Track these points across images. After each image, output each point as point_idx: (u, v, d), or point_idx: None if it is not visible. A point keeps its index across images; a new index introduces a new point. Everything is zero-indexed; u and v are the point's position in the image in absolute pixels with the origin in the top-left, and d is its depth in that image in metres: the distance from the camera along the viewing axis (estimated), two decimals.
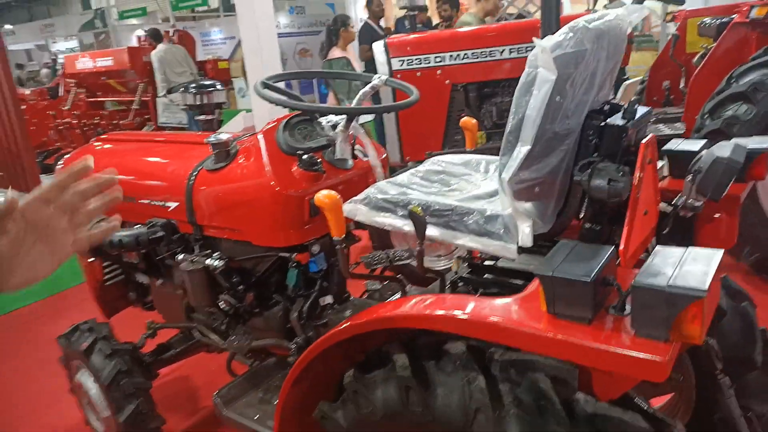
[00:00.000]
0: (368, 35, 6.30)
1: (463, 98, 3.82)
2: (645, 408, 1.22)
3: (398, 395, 1.19)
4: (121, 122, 8.56)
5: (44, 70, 18.98)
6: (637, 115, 1.26)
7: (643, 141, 1.20)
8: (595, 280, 0.91)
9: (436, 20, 7.45)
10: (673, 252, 0.95)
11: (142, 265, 2.36)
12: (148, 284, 2.54)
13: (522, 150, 1.15)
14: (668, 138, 1.60)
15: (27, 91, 10.36)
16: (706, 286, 0.81)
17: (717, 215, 1.44)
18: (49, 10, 29.30)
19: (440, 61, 3.80)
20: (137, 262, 2.37)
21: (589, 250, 0.99)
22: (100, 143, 2.54)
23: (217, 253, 1.91)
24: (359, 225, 2.07)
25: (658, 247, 0.98)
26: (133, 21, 17.91)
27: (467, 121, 2.01)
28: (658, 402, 1.80)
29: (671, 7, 4.67)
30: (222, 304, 1.99)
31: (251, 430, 1.76)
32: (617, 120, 1.22)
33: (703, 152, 1.31)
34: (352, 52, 6.23)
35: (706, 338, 1.46)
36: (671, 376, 1.54)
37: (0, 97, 7.47)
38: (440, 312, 1.10)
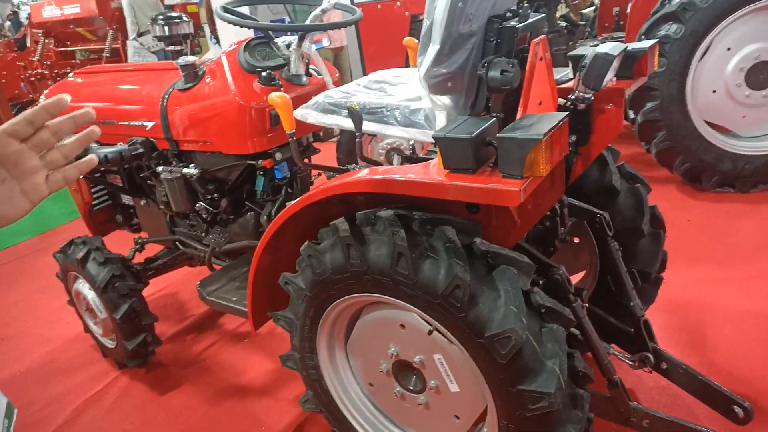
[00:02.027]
0: None
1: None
2: (533, 253, 1.55)
3: (342, 253, 1.49)
4: None
5: (7, 23, 18.39)
6: (530, 19, 1.52)
7: (534, 40, 1.46)
8: (476, 139, 1.19)
9: None
10: (531, 116, 1.24)
11: (127, 186, 2.62)
12: (133, 207, 2.81)
13: (433, 49, 1.41)
14: None
15: None
16: (542, 133, 1.11)
17: (608, 106, 1.71)
18: None
19: None
20: (122, 185, 2.63)
21: (477, 120, 1.27)
22: (76, 77, 2.74)
23: (192, 164, 2.17)
24: (317, 137, 2.35)
25: (525, 116, 1.27)
26: None
27: (410, 40, 2.25)
28: (576, 278, 2.14)
29: None
30: (200, 211, 2.27)
31: (230, 308, 2.08)
32: (511, 22, 1.48)
33: (588, 51, 1.58)
34: None
35: (599, 211, 1.79)
36: (566, 239, 1.87)
37: None
38: (368, 176, 1.39)
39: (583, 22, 4.29)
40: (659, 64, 3.25)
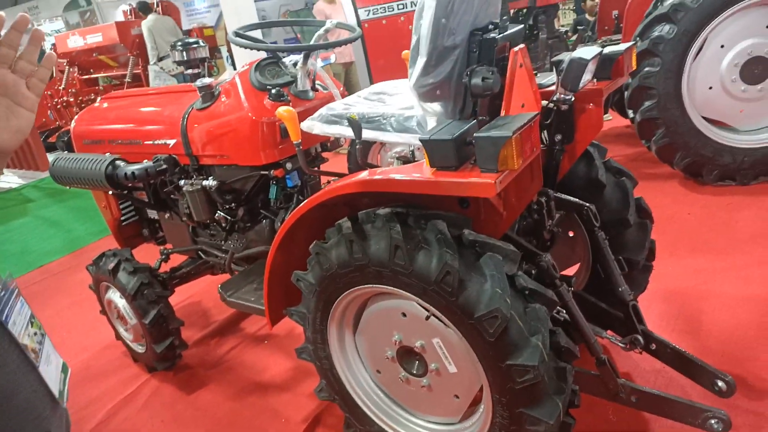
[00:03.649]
0: None
1: None
2: (519, 242, 1.69)
3: (346, 249, 1.64)
4: None
5: None
6: (508, 31, 1.68)
7: (514, 49, 1.61)
8: (457, 139, 1.34)
9: None
10: (506, 117, 1.40)
11: (152, 201, 2.82)
12: (158, 220, 3.01)
13: (421, 61, 1.57)
14: None
15: None
16: (512, 131, 1.26)
17: (589, 106, 1.85)
18: None
19: (402, 8, 4.16)
20: (147, 200, 2.83)
21: (459, 123, 1.43)
22: (102, 102, 2.96)
23: (211, 177, 2.36)
24: (324, 147, 2.52)
25: (499, 118, 1.42)
26: None
27: (407, 54, 2.41)
28: (572, 271, 2.26)
29: None
30: (219, 220, 2.45)
31: (249, 307, 2.26)
32: (491, 34, 1.63)
33: (566, 57, 1.72)
34: (340, 4, 6.58)
35: (586, 204, 1.92)
36: (558, 232, 2.01)
37: None
38: (366, 177, 1.55)
39: (582, 27, 4.42)
40: (654, 64, 3.39)
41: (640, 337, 1.90)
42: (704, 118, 3.56)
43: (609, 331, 2.04)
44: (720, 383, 1.74)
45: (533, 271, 1.69)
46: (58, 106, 9.47)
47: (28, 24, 0.95)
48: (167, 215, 2.85)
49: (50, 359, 0.90)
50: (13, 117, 0.95)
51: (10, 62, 0.95)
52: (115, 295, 2.75)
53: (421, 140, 1.39)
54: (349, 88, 6.55)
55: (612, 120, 5.38)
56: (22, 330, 0.86)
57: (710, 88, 3.50)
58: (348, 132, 1.87)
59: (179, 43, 2.64)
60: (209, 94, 2.27)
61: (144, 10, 8.56)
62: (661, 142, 3.58)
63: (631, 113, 3.70)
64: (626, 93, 3.59)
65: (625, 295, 1.92)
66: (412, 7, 4.14)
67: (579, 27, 4.46)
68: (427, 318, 1.60)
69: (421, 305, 1.59)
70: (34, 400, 0.84)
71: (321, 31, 2.30)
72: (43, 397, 0.86)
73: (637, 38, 3.49)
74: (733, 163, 3.50)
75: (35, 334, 0.90)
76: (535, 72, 1.95)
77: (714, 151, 3.51)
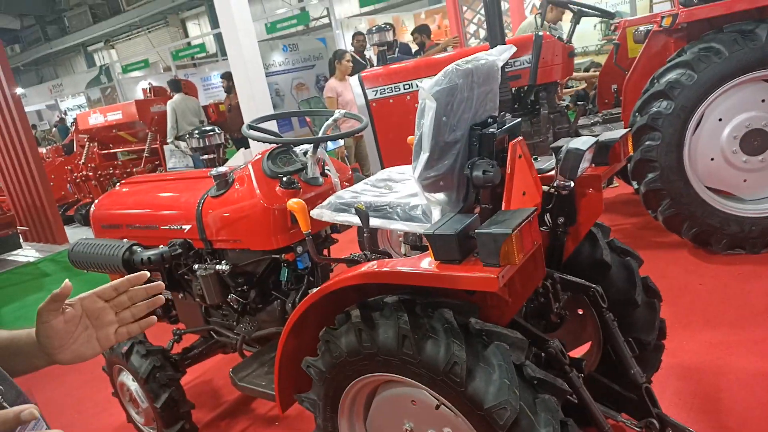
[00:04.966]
0: (354, 67, 6.93)
1: None
2: (527, 328, 1.71)
3: (355, 338, 1.67)
4: (134, 170, 9.20)
5: (53, 129, 19.93)
6: (506, 125, 1.76)
7: (512, 142, 1.69)
8: (460, 234, 1.40)
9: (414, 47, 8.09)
10: (506, 212, 1.46)
11: (166, 282, 2.88)
12: (171, 300, 3.06)
13: (423, 156, 1.65)
14: None
15: (43, 150, 11.05)
16: (512, 228, 1.31)
17: (589, 191, 1.91)
18: (56, 70, 30.61)
19: (408, 88, 4.34)
20: (162, 281, 2.89)
21: (461, 217, 1.49)
22: (122, 187, 3.09)
23: (224, 261, 2.42)
24: (334, 229, 2.59)
25: (500, 212, 1.48)
26: (137, 73, 18.82)
27: (412, 139, 2.51)
28: (581, 351, 2.25)
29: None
30: (231, 302, 2.49)
31: (260, 392, 2.25)
32: (490, 129, 1.72)
33: (564, 146, 1.80)
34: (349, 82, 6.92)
35: (592, 285, 1.95)
36: (565, 314, 2.02)
37: (23, 158, 8.17)
38: (375, 269, 1.59)
39: (582, 102, 4.57)
40: (654, 138, 3.47)
41: (655, 422, 1.87)
42: (708, 188, 3.61)
43: (623, 414, 2.01)
44: None
45: (542, 356, 1.70)
46: (77, 180, 9.74)
47: (160, 291, 1.17)
48: (180, 295, 2.90)
49: None
50: (86, 345, 1.11)
51: (119, 309, 1.14)
52: (127, 378, 2.76)
53: (425, 235, 1.44)
54: (360, 161, 6.74)
55: (618, 187, 5.45)
56: None
57: (712, 159, 3.57)
58: (356, 220, 1.93)
59: (196, 132, 2.78)
60: (224, 182, 2.37)
61: (174, 87, 8.75)
62: (668, 212, 3.62)
63: (635, 184, 3.76)
64: (629, 166, 3.67)
65: (637, 377, 1.91)
66: (416, 87, 4.32)
67: (579, 102, 4.61)
68: (437, 407, 1.60)
69: (431, 394, 1.60)
70: None
71: (330, 120, 2.42)
72: None
73: (636, 113, 3.60)
74: (741, 233, 3.51)
75: None
76: (534, 157, 2.03)
77: (721, 220, 3.54)
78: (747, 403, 2.28)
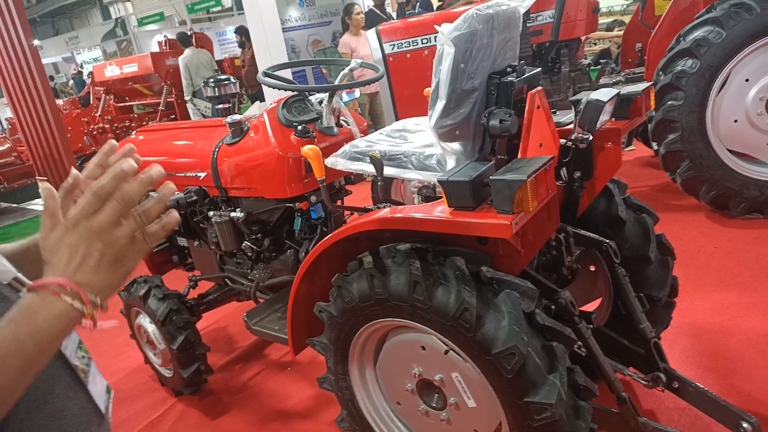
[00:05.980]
0: (373, 21, 6.78)
1: None
2: (538, 279, 1.71)
3: (367, 283, 1.69)
4: (150, 123, 9.22)
5: (70, 81, 19.95)
6: (526, 74, 1.73)
7: (531, 91, 1.66)
8: (474, 181, 1.39)
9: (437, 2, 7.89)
10: (522, 160, 1.44)
11: (182, 229, 2.92)
12: (187, 248, 3.11)
13: (440, 104, 1.63)
14: None
15: (60, 102, 11.09)
16: (527, 175, 1.30)
17: (607, 145, 1.89)
18: (72, 23, 30.38)
19: (426, 43, 4.25)
20: (178, 228, 2.93)
21: (476, 164, 1.48)
22: (138, 135, 3.10)
23: (239, 209, 2.44)
24: (348, 180, 2.59)
25: (515, 160, 1.46)
26: (152, 26, 18.63)
27: (429, 91, 2.48)
28: (593, 305, 2.26)
29: None
30: (246, 250, 2.53)
31: (273, 336, 2.31)
32: (509, 78, 1.69)
33: (583, 98, 1.77)
34: (365, 36, 6.77)
35: (605, 240, 1.94)
36: (577, 269, 2.02)
37: (42, 111, 8.21)
38: (387, 215, 1.60)
39: (605, 60, 4.46)
40: (677, 98, 3.39)
41: (662, 375, 1.89)
42: (729, 150, 3.54)
43: (631, 368, 2.03)
44: (745, 425, 1.71)
45: (552, 308, 1.71)
46: (94, 132, 9.80)
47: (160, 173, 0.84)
48: (196, 243, 2.94)
49: (96, 380, 0.98)
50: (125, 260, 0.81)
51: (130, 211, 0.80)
52: (145, 321, 2.84)
53: (439, 181, 1.44)
54: (374, 118, 6.67)
55: (636, 150, 5.36)
56: (72, 353, 0.94)
57: (735, 121, 3.49)
58: (370, 168, 1.93)
59: (211, 80, 2.76)
60: (239, 130, 2.37)
61: (183, 41, 8.63)
62: (686, 174, 3.56)
63: (655, 145, 3.69)
64: (650, 126, 3.60)
65: (646, 332, 1.92)
66: (434, 41, 4.23)
67: (602, 60, 4.50)
68: (446, 352, 1.63)
69: (440, 339, 1.62)
70: (83, 416, 0.91)
71: (346, 70, 2.39)
72: (91, 413, 0.93)
73: (660, 72, 3.51)
74: (760, 196, 3.45)
75: (83, 357, 0.98)
76: (553, 111, 2.00)
77: (740, 184, 3.48)
78: (755, 363, 2.29)
